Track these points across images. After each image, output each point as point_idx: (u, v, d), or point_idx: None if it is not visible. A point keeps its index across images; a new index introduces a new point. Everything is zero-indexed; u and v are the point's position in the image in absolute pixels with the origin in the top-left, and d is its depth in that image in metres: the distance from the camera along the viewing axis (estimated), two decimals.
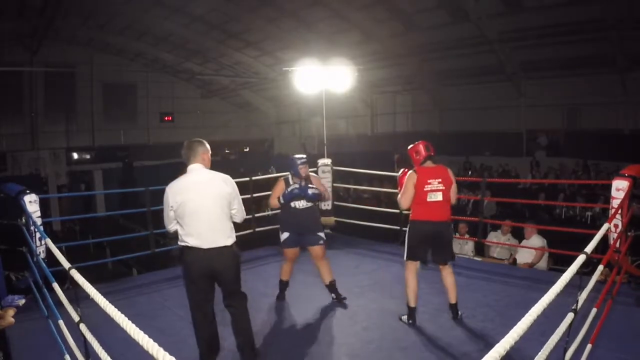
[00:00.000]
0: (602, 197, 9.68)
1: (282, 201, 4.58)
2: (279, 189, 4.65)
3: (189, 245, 3.23)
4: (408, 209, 4.21)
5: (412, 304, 4.12)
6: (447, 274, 4.14)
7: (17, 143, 18.82)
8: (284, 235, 4.65)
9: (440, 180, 3.99)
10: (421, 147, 4.08)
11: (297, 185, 4.56)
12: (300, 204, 4.59)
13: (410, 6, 13.04)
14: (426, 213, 4.03)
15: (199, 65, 20.99)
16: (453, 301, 4.11)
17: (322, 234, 4.70)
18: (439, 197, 3.99)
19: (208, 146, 3.43)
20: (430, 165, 4.07)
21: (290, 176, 4.68)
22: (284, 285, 4.90)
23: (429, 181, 3.97)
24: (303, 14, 14.48)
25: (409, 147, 4.19)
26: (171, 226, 3.36)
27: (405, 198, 4.06)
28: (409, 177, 4.03)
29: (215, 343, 3.41)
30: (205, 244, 3.19)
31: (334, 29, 14.98)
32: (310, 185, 4.56)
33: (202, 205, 3.20)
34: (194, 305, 3.32)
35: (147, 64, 21.41)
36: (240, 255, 3.46)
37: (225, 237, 3.27)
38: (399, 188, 4.29)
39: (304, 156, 4.70)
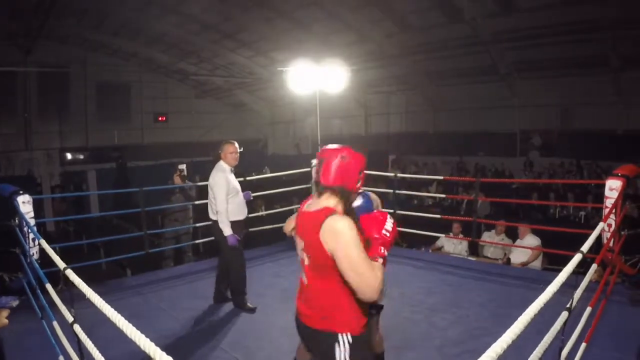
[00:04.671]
0: (596, 194, 9.76)
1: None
2: None
3: None
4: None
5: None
6: None
7: (11, 143, 18.68)
8: None
9: (306, 240, 1.97)
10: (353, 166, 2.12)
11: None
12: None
13: (404, 6, 13.07)
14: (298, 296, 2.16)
15: (193, 65, 20.93)
16: None
17: None
18: (302, 273, 2.07)
19: (232, 146, 4.49)
20: (309, 207, 2.05)
21: None
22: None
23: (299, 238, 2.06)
24: (298, 15, 14.48)
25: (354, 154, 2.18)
26: None
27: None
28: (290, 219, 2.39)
29: (221, 288, 4.67)
30: (210, 216, 4.54)
31: (329, 30, 14.97)
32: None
33: (208, 188, 4.51)
34: None
35: (141, 64, 21.33)
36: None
37: (213, 214, 4.46)
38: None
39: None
